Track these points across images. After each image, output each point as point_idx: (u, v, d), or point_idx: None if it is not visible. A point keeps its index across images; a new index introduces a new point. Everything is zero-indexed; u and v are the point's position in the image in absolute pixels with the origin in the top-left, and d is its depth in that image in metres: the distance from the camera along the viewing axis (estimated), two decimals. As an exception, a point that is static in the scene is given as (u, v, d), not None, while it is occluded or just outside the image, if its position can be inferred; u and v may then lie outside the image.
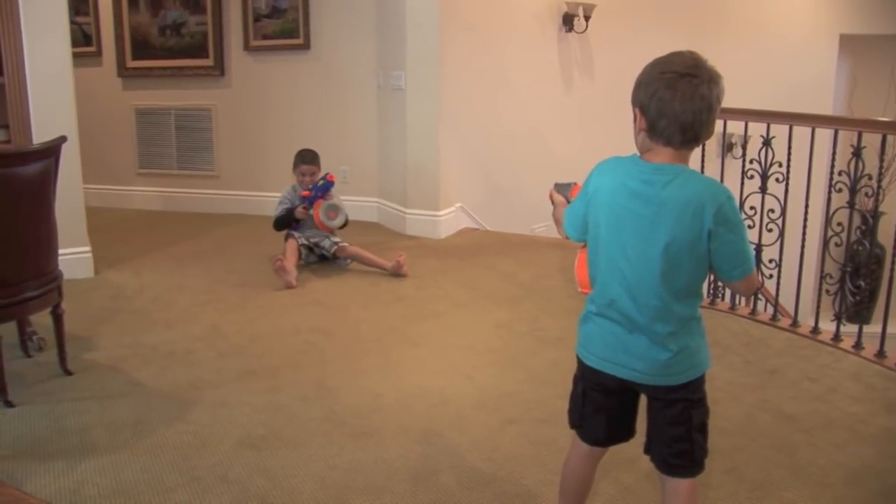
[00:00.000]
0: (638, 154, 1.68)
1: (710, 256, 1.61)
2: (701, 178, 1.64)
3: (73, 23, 5.61)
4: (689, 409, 1.70)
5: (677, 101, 1.56)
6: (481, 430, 2.64)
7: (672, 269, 1.61)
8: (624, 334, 1.68)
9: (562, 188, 2.05)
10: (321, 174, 4.66)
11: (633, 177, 1.63)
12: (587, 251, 1.77)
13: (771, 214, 3.62)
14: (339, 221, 4.44)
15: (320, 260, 4.68)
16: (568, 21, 6.15)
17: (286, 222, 4.60)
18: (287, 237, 4.58)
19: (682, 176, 1.60)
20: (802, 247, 3.60)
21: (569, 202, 1.99)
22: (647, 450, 1.80)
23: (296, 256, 4.45)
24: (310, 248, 4.63)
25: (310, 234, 4.62)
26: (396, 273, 4.43)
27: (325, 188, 4.46)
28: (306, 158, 4.65)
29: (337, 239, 4.58)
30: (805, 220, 3.59)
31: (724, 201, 1.58)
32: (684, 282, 1.63)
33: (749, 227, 3.53)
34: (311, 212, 4.48)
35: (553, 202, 2.04)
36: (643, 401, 1.79)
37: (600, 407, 1.79)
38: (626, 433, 1.84)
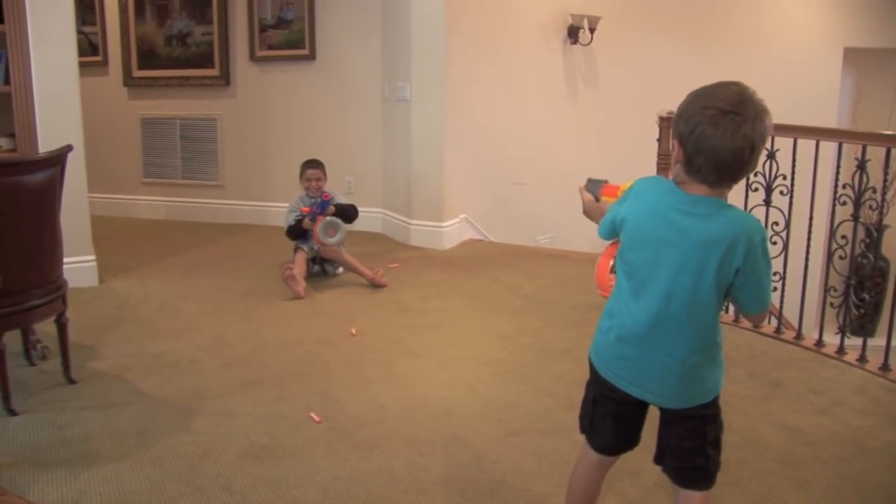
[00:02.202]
0: (674, 181, 1.65)
1: (733, 290, 1.61)
2: (737, 214, 1.61)
3: (79, 32, 5.66)
4: (703, 424, 1.71)
5: (717, 140, 1.50)
6: (485, 441, 2.64)
7: (700, 301, 1.61)
8: (643, 358, 1.67)
9: (593, 185, 2.04)
10: (326, 182, 4.72)
11: (670, 205, 1.61)
12: (616, 269, 1.76)
13: (775, 227, 3.62)
14: (335, 240, 4.48)
15: (322, 273, 4.70)
16: (573, 33, 6.18)
17: (299, 232, 4.64)
18: (296, 249, 4.61)
19: (719, 211, 1.58)
20: (806, 259, 3.60)
21: (597, 199, 1.99)
22: (658, 460, 1.80)
23: (304, 267, 4.48)
24: (313, 260, 4.66)
25: (312, 242, 4.64)
26: (374, 283, 4.46)
27: (323, 206, 4.52)
28: (311, 164, 4.72)
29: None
30: (809, 232, 3.59)
31: (757, 241, 1.57)
32: (710, 313, 1.64)
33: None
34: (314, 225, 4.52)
35: (582, 198, 2.02)
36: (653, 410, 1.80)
37: (610, 413, 1.80)
38: (633, 441, 1.84)
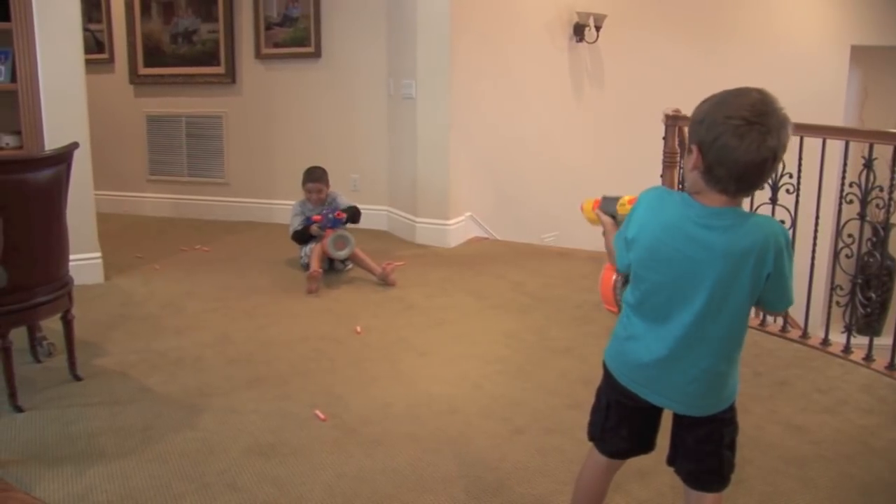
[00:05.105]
0: (686, 192, 1.60)
1: (761, 293, 1.59)
2: (759, 220, 1.57)
3: (85, 30, 5.66)
4: (721, 428, 1.70)
5: (741, 152, 1.46)
6: (489, 439, 2.64)
7: (733, 313, 1.59)
8: (667, 371, 1.65)
9: (608, 203, 1.90)
10: (329, 189, 4.77)
11: (688, 219, 1.56)
12: (630, 284, 1.71)
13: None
14: (343, 254, 4.53)
15: (330, 268, 4.71)
16: (579, 31, 6.18)
17: (306, 237, 4.68)
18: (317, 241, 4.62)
19: (741, 220, 1.54)
20: (813, 258, 3.59)
21: (615, 219, 1.87)
22: (671, 462, 1.79)
23: (320, 262, 4.50)
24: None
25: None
26: (384, 280, 4.46)
27: (335, 223, 4.56)
28: (312, 176, 4.76)
29: None
30: (815, 231, 3.58)
31: (783, 245, 1.54)
32: (742, 322, 1.62)
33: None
34: (323, 235, 4.57)
35: (602, 222, 1.88)
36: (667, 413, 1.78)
37: (625, 419, 1.78)
38: (647, 446, 1.82)
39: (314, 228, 4.57)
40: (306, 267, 4.54)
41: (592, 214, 1.92)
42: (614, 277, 1.82)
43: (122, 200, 6.56)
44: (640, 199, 1.67)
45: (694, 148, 1.54)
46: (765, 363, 3.36)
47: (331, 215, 4.56)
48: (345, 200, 4.78)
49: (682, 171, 4.12)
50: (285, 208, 5.08)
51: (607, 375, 1.79)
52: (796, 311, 3.87)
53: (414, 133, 5.42)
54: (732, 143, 1.46)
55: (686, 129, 4.01)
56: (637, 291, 1.68)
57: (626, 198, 1.83)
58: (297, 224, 4.72)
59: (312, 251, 4.52)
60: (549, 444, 2.60)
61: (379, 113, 5.86)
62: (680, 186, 3.90)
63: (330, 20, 5.86)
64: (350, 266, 4.72)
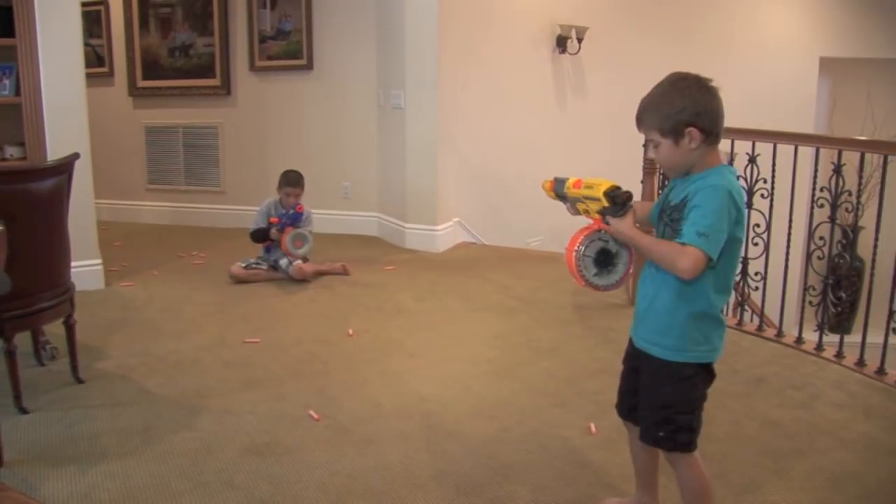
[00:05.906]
0: (693, 168, 1.85)
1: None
2: None
3: (86, 45, 5.77)
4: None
5: (718, 102, 1.81)
6: (478, 437, 2.67)
7: None
8: None
9: (559, 184, 2.05)
10: (302, 196, 4.79)
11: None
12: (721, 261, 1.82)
13: (756, 229, 3.64)
14: (303, 251, 4.61)
15: (275, 268, 4.77)
16: (561, 43, 6.28)
17: (264, 236, 4.73)
18: (253, 266, 4.72)
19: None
20: (786, 260, 3.66)
21: (564, 197, 2.02)
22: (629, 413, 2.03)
23: (252, 273, 4.65)
24: (273, 266, 4.75)
25: (275, 254, 4.75)
26: (344, 272, 4.68)
27: (295, 217, 4.62)
28: (290, 181, 4.73)
29: (297, 260, 4.70)
30: (789, 234, 3.66)
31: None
32: None
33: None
34: (280, 237, 4.63)
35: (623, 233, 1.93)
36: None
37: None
38: None
39: (274, 232, 4.62)
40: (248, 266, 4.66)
41: (552, 193, 2.11)
42: (574, 250, 1.93)
43: (122, 209, 6.64)
44: (735, 186, 1.83)
45: (692, 131, 1.77)
46: (741, 361, 3.41)
47: (291, 211, 4.61)
48: (312, 221, 4.80)
49: (661, 174, 4.17)
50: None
51: (706, 374, 2.00)
52: (771, 311, 3.98)
53: (403, 142, 5.50)
54: (714, 101, 1.80)
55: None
56: (732, 267, 1.89)
57: (571, 181, 1.99)
58: (257, 223, 4.75)
59: (247, 274, 4.62)
60: (535, 441, 2.63)
61: (369, 123, 5.94)
62: (660, 192, 3.98)
63: (322, 34, 5.94)
64: (296, 263, 4.66)
